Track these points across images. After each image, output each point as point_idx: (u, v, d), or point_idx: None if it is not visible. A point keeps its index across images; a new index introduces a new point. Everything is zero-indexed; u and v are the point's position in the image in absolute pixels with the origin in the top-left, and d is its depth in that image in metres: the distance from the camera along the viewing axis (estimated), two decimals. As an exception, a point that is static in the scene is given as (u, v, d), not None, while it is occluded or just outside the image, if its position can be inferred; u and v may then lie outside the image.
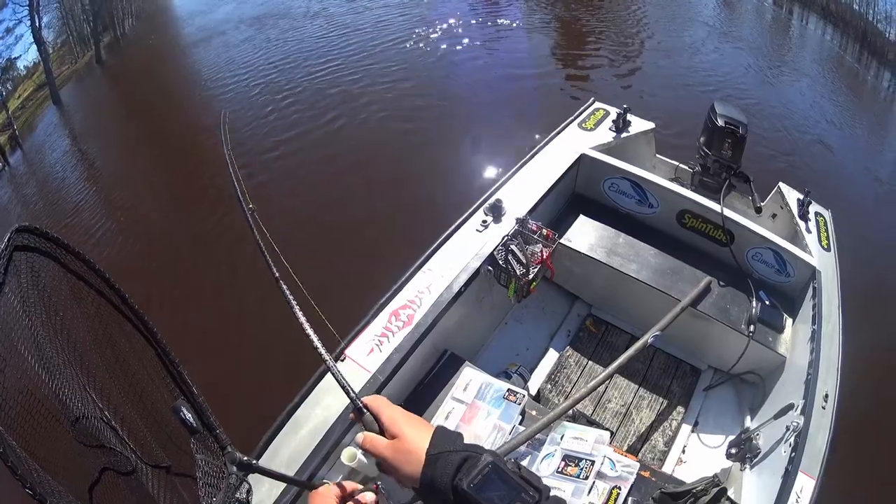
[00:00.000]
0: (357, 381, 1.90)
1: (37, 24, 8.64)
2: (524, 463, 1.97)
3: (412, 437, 0.72)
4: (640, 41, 7.88)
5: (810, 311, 2.34)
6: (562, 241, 2.48)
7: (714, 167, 2.90)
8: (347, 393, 0.86)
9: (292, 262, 1.58)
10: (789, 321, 2.50)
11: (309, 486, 0.85)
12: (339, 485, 0.80)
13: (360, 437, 0.76)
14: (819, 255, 2.55)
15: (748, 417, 2.42)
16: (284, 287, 1.23)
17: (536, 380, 2.55)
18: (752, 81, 6.99)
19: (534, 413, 2.06)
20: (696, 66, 7.18)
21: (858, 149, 6.24)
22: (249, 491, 1.10)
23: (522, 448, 1.97)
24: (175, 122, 6.88)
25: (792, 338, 2.41)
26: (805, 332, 2.30)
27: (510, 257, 2.19)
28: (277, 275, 1.27)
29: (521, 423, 2.02)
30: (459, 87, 6.60)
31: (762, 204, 2.95)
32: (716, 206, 2.58)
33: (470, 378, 2.07)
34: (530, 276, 2.19)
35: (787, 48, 8.69)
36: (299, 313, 1.12)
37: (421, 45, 7.52)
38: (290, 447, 1.81)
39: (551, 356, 2.66)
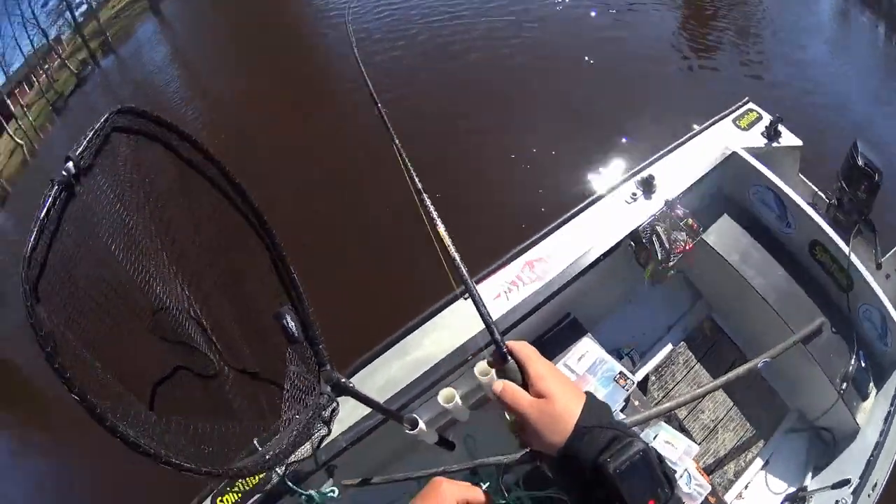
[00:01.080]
0: (475, 325, 1.77)
1: None
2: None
3: (563, 400, 0.62)
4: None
5: (892, 391, 2.28)
6: (703, 235, 2.32)
7: (848, 205, 2.75)
8: (492, 332, 0.73)
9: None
10: (874, 391, 2.42)
11: (398, 418, 0.80)
12: (468, 487, 0.68)
13: (499, 385, 0.67)
14: None
15: (810, 475, 2.38)
16: (427, 199, 1.09)
17: (643, 367, 2.48)
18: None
19: (636, 403, 1.97)
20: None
21: None
22: (335, 411, 1.09)
23: (617, 435, 1.89)
24: (289, 30, 6.42)
25: (871, 410, 2.34)
26: (883, 409, 2.25)
27: (654, 239, 2.03)
28: (421, 186, 1.14)
29: (622, 410, 1.93)
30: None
31: (883, 259, 2.81)
32: (845, 248, 2.44)
33: (587, 349, 1.96)
34: (670, 264, 2.04)
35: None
36: (442, 229, 1.00)
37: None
38: (388, 373, 1.72)
39: (663, 348, 2.58)
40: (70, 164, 0.63)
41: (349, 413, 1.63)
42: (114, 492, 3.32)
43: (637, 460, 0.57)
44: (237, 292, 1.08)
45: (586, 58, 5.93)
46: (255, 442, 1.01)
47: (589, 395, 0.65)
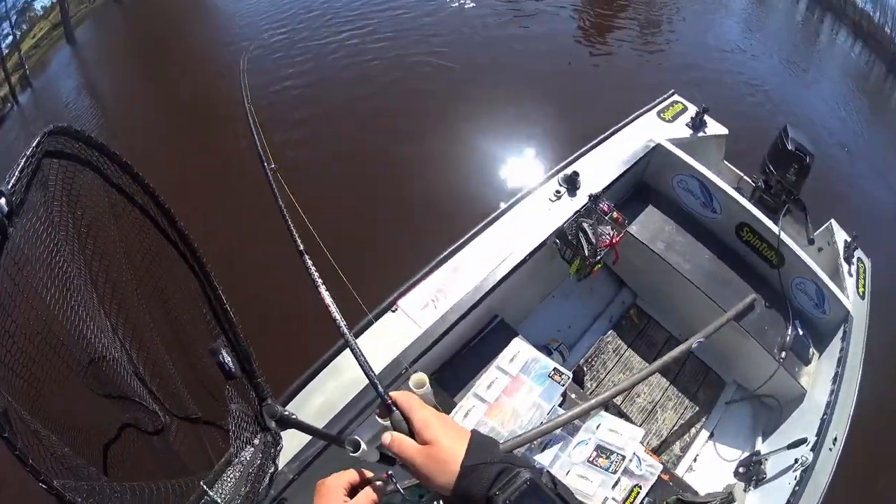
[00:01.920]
0: (408, 336, 1.82)
1: None
2: (557, 447, 1.92)
3: (447, 444, 0.65)
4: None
5: (837, 353, 2.37)
6: (628, 227, 2.38)
7: (776, 187, 2.86)
8: (375, 386, 0.77)
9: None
10: (815, 356, 2.51)
11: (340, 442, 0.78)
12: (350, 472, 0.74)
13: (387, 437, 0.70)
14: (854, 301, 2.55)
15: (760, 439, 2.45)
16: (308, 261, 1.13)
17: (573, 359, 2.52)
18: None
19: (573, 396, 2.01)
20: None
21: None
22: (279, 446, 1.08)
23: (558, 431, 1.92)
24: (191, 64, 6.46)
25: (815, 373, 2.43)
26: (828, 371, 2.33)
27: (580, 234, 2.07)
28: (302, 248, 1.18)
29: (560, 405, 1.95)
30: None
31: (815, 235, 2.92)
32: (774, 228, 2.54)
33: (518, 350, 1.99)
34: (597, 258, 2.08)
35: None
36: (324, 291, 1.03)
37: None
38: (323, 396, 1.72)
39: (591, 338, 2.63)
40: (2, 200, 0.56)
41: (289, 442, 1.61)
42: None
43: (525, 489, 0.60)
44: (172, 329, 1.07)
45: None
46: (202, 484, 0.99)
47: (474, 433, 0.68)
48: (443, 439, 0.66)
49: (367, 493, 0.71)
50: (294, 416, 1.03)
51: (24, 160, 0.61)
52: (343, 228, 3.86)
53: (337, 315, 0.96)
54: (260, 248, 3.58)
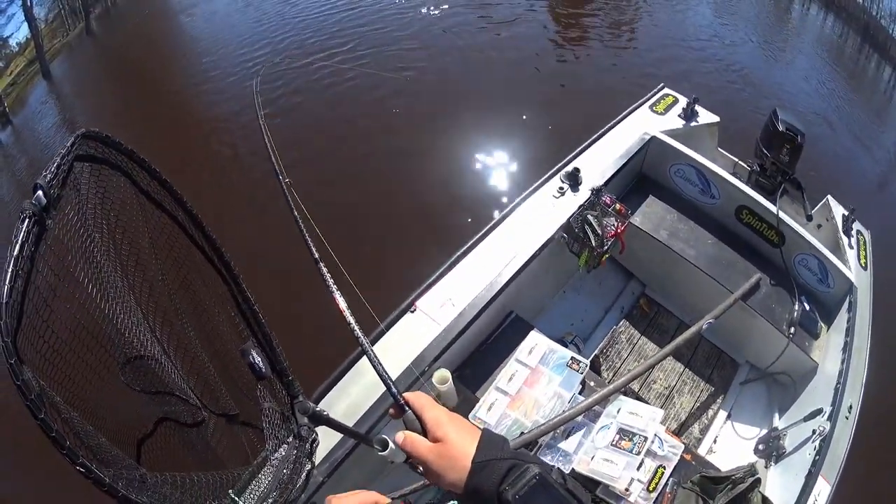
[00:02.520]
0: (428, 334, 1.88)
1: (28, 3, 8.54)
2: (580, 433, 1.98)
3: (458, 442, 0.68)
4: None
5: (844, 323, 2.41)
6: (630, 219, 2.46)
7: (771, 169, 2.92)
8: (389, 388, 0.80)
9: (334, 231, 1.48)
10: (824, 329, 2.56)
11: (368, 441, 0.80)
12: (365, 494, 0.74)
13: (401, 436, 0.72)
14: (857, 272, 2.61)
15: (776, 416, 2.49)
16: (324, 269, 1.15)
17: (588, 351, 2.57)
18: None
19: (592, 384, 2.06)
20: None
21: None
22: (315, 442, 1.10)
23: (580, 418, 1.97)
24: (162, 90, 6.54)
25: (825, 346, 2.48)
26: (837, 343, 2.37)
27: (587, 227, 2.14)
28: (317, 255, 1.19)
29: (580, 393, 2.01)
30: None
31: (813, 212, 2.98)
32: (772, 207, 2.60)
33: (535, 342, 2.05)
34: (604, 248, 2.15)
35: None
36: (340, 299, 1.04)
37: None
38: (349, 398, 1.76)
39: (604, 330, 2.69)
40: (40, 192, 0.57)
41: (320, 443, 1.67)
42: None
43: (535, 484, 0.62)
44: (205, 330, 1.08)
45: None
46: (231, 494, 0.96)
47: (485, 431, 0.69)
48: (454, 437, 0.68)
49: None
50: (325, 413, 1.05)
51: (59, 158, 0.62)
52: (357, 238, 3.96)
53: (351, 319, 0.98)
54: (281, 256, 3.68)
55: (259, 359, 1.00)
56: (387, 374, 0.84)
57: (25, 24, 8.51)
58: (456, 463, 0.66)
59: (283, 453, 1.03)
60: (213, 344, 1.10)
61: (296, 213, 1.32)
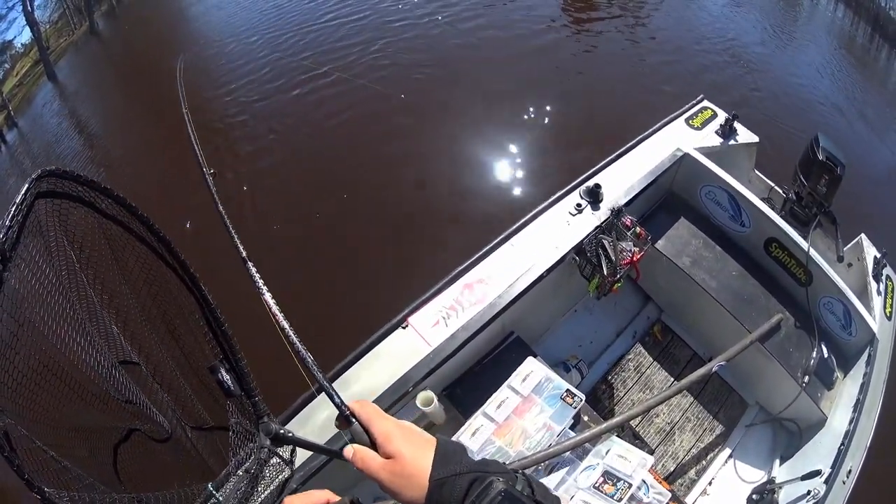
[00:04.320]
0: (415, 354, 1.79)
1: (29, 8, 8.68)
2: (564, 471, 1.88)
3: (412, 457, 0.62)
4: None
5: (860, 378, 2.28)
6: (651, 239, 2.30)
7: (807, 199, 2.73)
8: (331, 397, 0.74)
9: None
10: (839, 379, 2.42)
11: (340, 456, 0.74)
12: (317, 493, 0.72)
13: (350, 451, 0.67)
14: (881, 322, 2.45)
15: (777, 463, 2.38)
16: (253, 269, 1.10)
17: (592, 377, 2.47)
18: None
19: (586, 418, 1.96)
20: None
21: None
22: (294, 451, 1.11)
23: (567, 454, 1.87)
24: (166, 85, 6.45)
25: (838, 398, 2.34)
26: (850, 397, 2.25)
27: (601, 251, 1.99)
28: (245, 254, 1.15)
29: (571, 428, 1.90)
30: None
31: (844, 251, 2.79)
32: (804, 244, 2.43)
33: (531, 369, 1.93)
34: (617, 277, 2.01)
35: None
36: (269, 297, 1.03)
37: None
38: (332, 409, 1.67)
39: (612, 355, 2.58)
40: None
41: (298, 452, 1.62)
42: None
43: (500, 501, 0.57)
44: (178, 348, 1.09)
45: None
46: (210, 487, 1.01)
47: (438, 440, 0.64)
48: (406, 452, 0.62)
49: None
50: (290, 434, 1.03)
51: (13, 208, 0.63)
52: (360, 245, 3.87)
53: (284, 322, 0.96)
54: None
55: (227, 376, 1.00)
56: (326, 380, 0.78)
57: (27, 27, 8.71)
58: (412, 481, 0.60)
59: (244, 470, 1.03)
60: (188, 360, 1.11)
61: (221, 209, 1.27)
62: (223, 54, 6.65)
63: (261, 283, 1.07)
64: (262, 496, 1.07)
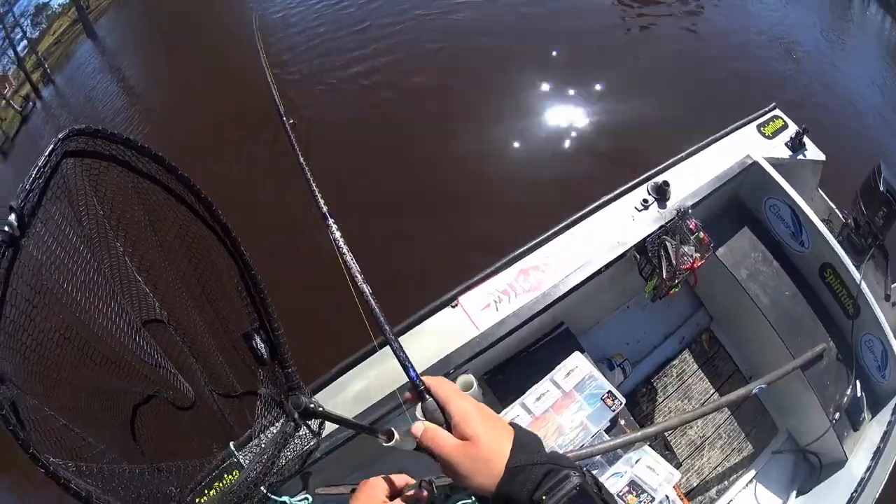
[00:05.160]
0: (461, 336, 1.71)
1: None
2: (594, 472, 1.82)
3: (490, 442, 0.59)
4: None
5: (885, 425, 2.24)
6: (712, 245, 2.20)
7: (864, 228, 2.62)
8: (406, 368, 0.69)
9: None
10: (866, 421, 2.37)
11: (373, 431, 0.74)
12: (389, 479, 0.70)
13: (419, 427, 0.63)
14: None
15: (794, 495, 2.35)
16: (333, 225, 1.03)
17: (635, 378, 2.42)
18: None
19: (622, 423, 1.89)
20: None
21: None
22: (322, 423, 1.13)
23: (597, 457, 1.81)
24: (214, 40, 6.29)
25: (860, 441, 2.30)
26: (871, 444, 2.21)
27: (662, 253, 1.89)
28: (326, 209, 1.09)
29: (607, 430, 1.84)
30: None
31: (892, 289, 2.70)
32: (856, 275, 2.33)
33: (577, 365, 1.86)
34: (675, 282, 1.91)
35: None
36: (349, 257, 0.94)
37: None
38: (366, 382, 1.64)
39: (658, 358, 2.53)
40: (12, 216, 0.59)
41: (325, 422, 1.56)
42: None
43: (574, 496, 0.55)
44: (213, 312, 1.07)
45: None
46: (232, 445, 1.06)
47: (517, 428, 0.62)
48: (485, 436, 0.59)
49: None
50: (321, 408, 1.01)
51: (35, 170, 0.61)
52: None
53: (360, 278, 0.87)
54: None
55: (261, 344, 0.99)
56: (402, 349, 0.72)
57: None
58: (487, 466, 0.58)
59: (267, 440, 1.04)
60: (222, 325, 1.09)
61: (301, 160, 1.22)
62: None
63: (341, 241, 1.00)
64: (283, 463, 1.06)
